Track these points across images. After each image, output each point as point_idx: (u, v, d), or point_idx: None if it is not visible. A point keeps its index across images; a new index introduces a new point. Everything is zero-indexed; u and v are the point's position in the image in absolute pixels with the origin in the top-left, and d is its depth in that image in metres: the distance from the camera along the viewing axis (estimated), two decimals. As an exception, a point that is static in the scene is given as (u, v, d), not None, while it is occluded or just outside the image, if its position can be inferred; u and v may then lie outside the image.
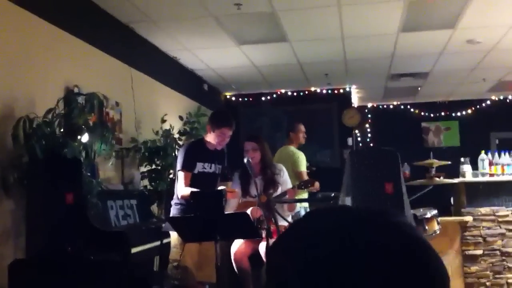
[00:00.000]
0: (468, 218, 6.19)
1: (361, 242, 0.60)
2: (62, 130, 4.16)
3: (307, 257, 0.60)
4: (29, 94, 4.30)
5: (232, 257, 4.62)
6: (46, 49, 4.63)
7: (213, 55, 7.41)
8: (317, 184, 4.78)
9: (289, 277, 0.61)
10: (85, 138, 4.24)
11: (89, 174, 4.25)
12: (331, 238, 0.61)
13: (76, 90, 4.76)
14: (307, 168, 6.49)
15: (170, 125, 6.38)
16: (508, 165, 6.47)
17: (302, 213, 5.98)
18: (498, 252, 6.17)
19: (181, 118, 6.97)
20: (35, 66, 4.44)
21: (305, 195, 6.14)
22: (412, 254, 0.60)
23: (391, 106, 11.14)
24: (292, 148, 6.40)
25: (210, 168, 4.40)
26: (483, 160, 6.52)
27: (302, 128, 6.69)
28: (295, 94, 9.99)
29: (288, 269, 0.61)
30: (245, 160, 4.35)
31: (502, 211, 6.26)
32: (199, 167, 4.33)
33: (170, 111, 6.80)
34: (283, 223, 4.42)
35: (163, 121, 6.37)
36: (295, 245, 0.63)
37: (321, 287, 0.58)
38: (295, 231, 0.66)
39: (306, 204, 6.10)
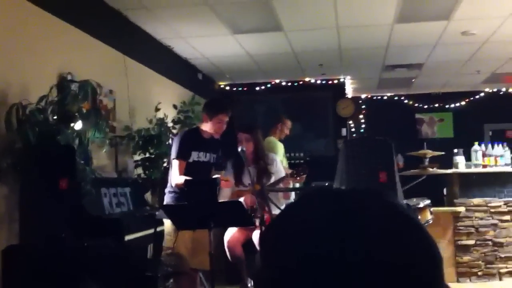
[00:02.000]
0: (461, 209, 6.24)
1: (356, 221, 0.60)
2: (55, 117, 4.14)
3: (301, 240, 0.60)
4: (22, 81, 4.27)
5: (226, 245, 4.63)
6: (40, 36, 4.60)
7: (208, 44, 7.39)
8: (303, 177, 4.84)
9: (283, 262, 0.61)
10: (78, 125, 4.23)
11: (82, 161, 4.23)
12: (326, 219, 0.61)
13: (69, 77, 4.73)
14: (302, 157, 6.55)
15: (164, 114, 6.36)
16: (501, 156, 6.51)
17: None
18: (490, 242, 6.23)
19: (175, 106, 6.95)
20: (29, 52, 4.41)
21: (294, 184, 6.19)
22: (406, 233, 0.60)
23: (385, 97, 11.16)
24: (272, 138, 6.63)
25: (205, 157, 4.40)
26: (476, 151, 6.55)
27: (289, 123, 7.09)
28: (289, 84, 9.99)
29: (282, 254, 0.61)
30: (239, 149, 4.36)
31: (495, 201, 6.31)
32: (194, 156, 4.32)
33: (164, 99, 6.78)
34: (276, 211, 4.44)
35: (157, 109, 6.36)
36: (289, 228, 0.63)
37: (316, 270, 0.58)
38: (289, 214, 0.66)
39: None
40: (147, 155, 5.89)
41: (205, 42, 7.32)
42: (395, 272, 0.57)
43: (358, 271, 0.57)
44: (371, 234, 0.59)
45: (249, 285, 4.66)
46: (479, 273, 6.16)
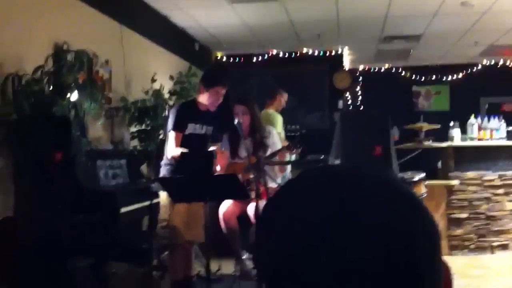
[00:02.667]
0: (455, 182, 6.27)
1: (354, 198, 0.60)
2: (51, 88, 4.11)
3: (299, 216, 0.61)
4: (17, 51, 4.23)
5: (221, 218, 4.66)
6: (35, 5, 4.54)
7: (205, 13, 7.31)
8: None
9: (280, 237, 0.61)
10: (74, 96, 4.20)
11: (78, 133, 4.22)
12: (324, 196, 0.61)
13: (65, 46, 4.68)
14: (297, 130, 6.57)
15: (161, 85, 6.32)
16: (496, 129, 6.51)
17: (288, 174, 6.05)
18: (483, 216, 6.28)
19: (171, 77, 6.91)
20: (24, 22, 4.36)
21: (290, 157, 6.21)
22: (405, 209, 0.61)
23: (383, 69, 11.10)
24: (271, 111, 6.65)
25: (201, 129, 4.39)
26: (472, 124, 6.56)
27: (285, 95, 7.08)
28: (286, 55, 9.92)
29: (280, 229, 0.62)
30: (236, 122, 4.35)
31: (489, 175, 6.34)
32: (190, 128, 4.31)
33: (160, 70, 6.73)
34: (272, 184, 4.45)
35: (153, 80, 6.31)
36: (287, 204, 0.63)
37: (314, 245, 0.58)
38: (288, 190, 0.66)
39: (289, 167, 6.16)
40: (143, 127, 5.88)
41: (202, 12, 7.24)
42: (393, 251, 0.58)
43: (356, 252, 0.57)
44: (368, 214, 0.59)
45: (243, 257, 4.71)
46: (471, 246, 6.23)
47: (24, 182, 3.70)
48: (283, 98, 6.99)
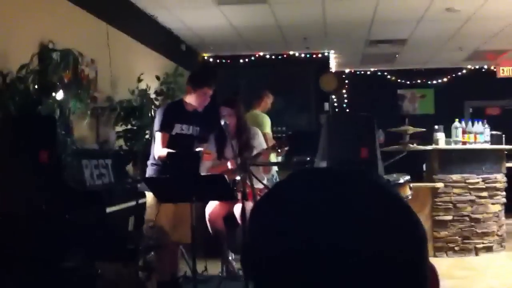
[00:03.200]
0: (440, 185, 6.31)
1: (341, 200, 0.60)
2: (36, 86, 4.08)
3: (288, 218, 0.61)
4: (2, 49, 4.19)
5: (207, 218, 4.65)
6: (21, 2, 4.50)
7: (192, 14, 7.30)
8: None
9: (269, 237, 0.61)
10: (59, 95, 4.17)
11: (63, 132, 4.19)
12: (313, 198, 0.61)
13: (51, 45, 4.65)
14: (284, 132, 6.57)
15: (147, 85, 6.30)
16: (480, 133, 6.58)
17: (275, 176, 6.06)
18: (467, 218, 6.33)
19: (158, 78, 6.89)
20: (8, 20, 4.31)
21: (277, 159, 6.22)
22: (391, 210, 0.61)
23: (369, 72, 11.17)
24: (258, 111, 6.64)
25: (188, 130, 4.38)
26: (456, 128, 6.61)
27: (271, 97, 7.05)
28: (273, 57, 9.93)
29: (271, 230, 0.62)
30: (222, 123, 4.35)
31: (473, 178, 6.40)
32: (177, 128, 4.30)
33: (146, 70, 6.71)
34: (258, 185, 4.45)
35: (140, 80, 6.28)
36: (277, 206, 0.63)
37: (304, 246, 0.58)
38: (278, 191, 0.67)
39: (276, 168, 6.17)
40: (129, 126, 5.85)
41: (189, 13, 7.23)
42: (381, 254, 0.58)
43: (345, 253, 0.57)
44: (358, 217, 0.59)
45: (229, 258, 4.70)
46: (456, 248, 6.28)
47: (9, 182, 3.66)
48: (270, 99, 7.00)
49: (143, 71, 6.49)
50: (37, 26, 4.68)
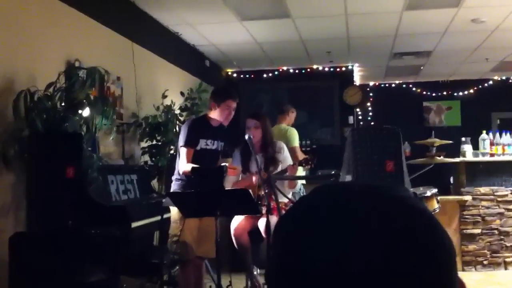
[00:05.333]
0: (468, 198, 6.22)
1: (368, 216, 0.60)
2: (63, 104, 4.14)
3: (312, 234, 0.60)
4: (30, 68, 4.28)
5: (232, 233, 4.64)
6: (48, 22, 4.59)
7: (215, 31, 7.36)
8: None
9: (293, 253, 0.61)
10: (86, 112, 4.23)
11: (89, 148, 4.25)
12: (338, 214, 0.61)
13: (77, 64, 4.73)
14: (308, 145, 6.55)
15: (171, 101, 6.36)
16: (508, 145, 6.48)
17: (302, 189, 6.04)
18: (496, 231, 6.21)
19: (182, 94, 6.95)
20: (36, 39, 4.41)
21: (302, 173, 6.20)
22: (419, 226, 0.61)
23: (393, 85, 11.10)
24: (284, 125, 6.58)
25: (213, 145, 4.40)
26: (484, 140, 6.52)
27: (295, 111, 7.00)
28: (296, 71, 9.95)
29: (293, 245, 0.62)
30: (246, 137, 4.35)
31: (502, 190, 6.29)
32: (202, 143, 4.32)
33: (171, 86, 6.77)
34: (283, 199, 4.44)
35: (164, 96, 6.35)
36: (301, 221, 0.63)
37: (329, 263, 0.58)
38: (301, 207, 0.66)
39: (303, 181, 6.15)
40: (154, 142, 5.90)
41: (213, 29, 7.29)
42: (409, 269, 0.57)
43: (373, 270, 0.57)
44: (383, 232, 0.59)
45: (254, 272, 4.68)
46: (485, 262, 6.16)
47: (36, 198, 3.72)
48: (294, 114, 6.98)
49: (167, 87, 6.55)
50: (63, 45, 4.77)
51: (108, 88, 5.29)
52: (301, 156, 5.82)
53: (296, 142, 6.41)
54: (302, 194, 5.66)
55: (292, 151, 6.12)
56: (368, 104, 10.69)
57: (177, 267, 4.52)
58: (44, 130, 3.84)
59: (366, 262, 0.57)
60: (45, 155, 3.76)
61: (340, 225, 0.60)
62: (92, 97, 4.39)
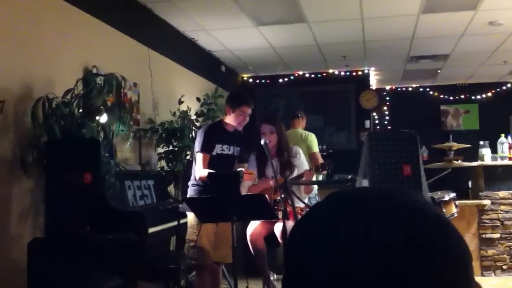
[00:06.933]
0: (486, 202, 6.16)
1: (384, 222, 0.60)
2: (80, 110, 4.18)
3: (327, 238, 0.61)
4: (48, 74, 4.33)
5: (248, 238, 4.65)
6: (65, 29, 4.64)
7: (231, 36, 7.39)
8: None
9: (309, 259, 0.61)
10: (103, 118, 4.26)
11: (107, 154, 4.28)
12: (351, 219, 0.61)
13: (94, 70, 4.78)
14: (324, 150, 6.52)
15: (187, 107, 6.38)
16: (528, 148, 6.40)
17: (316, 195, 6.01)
18: (515, 236, 6.14)
19: (198, 99, 6.97)
20: (54, 46, 4.46)
21: (319, 177, 6.17)
22: (431, 233, 0.60)
23: (410, 89, 11.04)
24: (301, 130, 6.49)
25: (229, 150, 4.41)
26: (502, 143, 6.46)
27: (305, 116, 6.91)
28: (312, 75, 9.94)
29: (308, 251, 0.62)
30: (262, 142, 4.35)
31: (521, 195, 6.21)
32: (218, 149, 4.34)
33: (187, 92, 6.80)
34: (299, 204, 4.43)
35: (181, 102, 6.38)
36: (316, 227, 0.63)
37: (345, 268, 0.58)
38: (317, 213, 0.66)
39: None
40: (170, 147, 5.93)
41: (229, 35, 7.32)
42: (425, 274, 0.57)
43: (388, 276, 0.57)
44: (401, 238, 0.59)
45: (271, 278, 4.67)
46: (504, 267, 6.09)
47: (54, 203, 3.76)
48: (304, 119, 6.89)
49: (183, 93, 6.58)
50: (81, 52, 4.82)
51: (125, 94, 5.33)
52: (321, 161, 5.79)
53: (316, 148, 6.36)
54: (317, 199, 5.64)
55: (313, 156, 6.10)
56: (385, 108, 10.64)
57: (194, 273, 4.53)
58: (62, 137, 3.88)
59: (381, 267, 0.57)
60: (63, 161, 3.80)
61: (354, 231, 0.59)
62: (109, 104, 4.42)
